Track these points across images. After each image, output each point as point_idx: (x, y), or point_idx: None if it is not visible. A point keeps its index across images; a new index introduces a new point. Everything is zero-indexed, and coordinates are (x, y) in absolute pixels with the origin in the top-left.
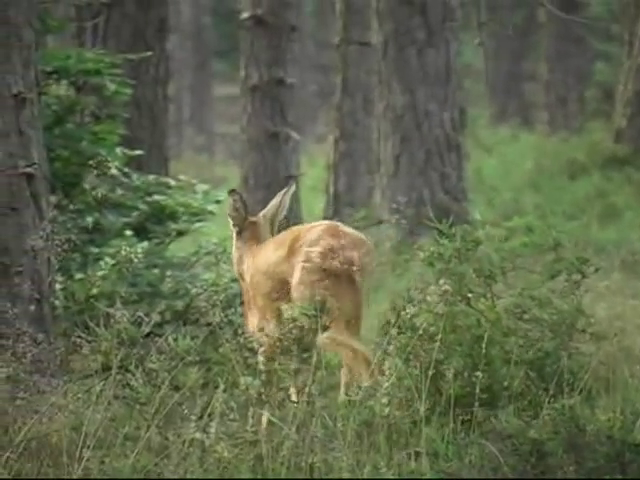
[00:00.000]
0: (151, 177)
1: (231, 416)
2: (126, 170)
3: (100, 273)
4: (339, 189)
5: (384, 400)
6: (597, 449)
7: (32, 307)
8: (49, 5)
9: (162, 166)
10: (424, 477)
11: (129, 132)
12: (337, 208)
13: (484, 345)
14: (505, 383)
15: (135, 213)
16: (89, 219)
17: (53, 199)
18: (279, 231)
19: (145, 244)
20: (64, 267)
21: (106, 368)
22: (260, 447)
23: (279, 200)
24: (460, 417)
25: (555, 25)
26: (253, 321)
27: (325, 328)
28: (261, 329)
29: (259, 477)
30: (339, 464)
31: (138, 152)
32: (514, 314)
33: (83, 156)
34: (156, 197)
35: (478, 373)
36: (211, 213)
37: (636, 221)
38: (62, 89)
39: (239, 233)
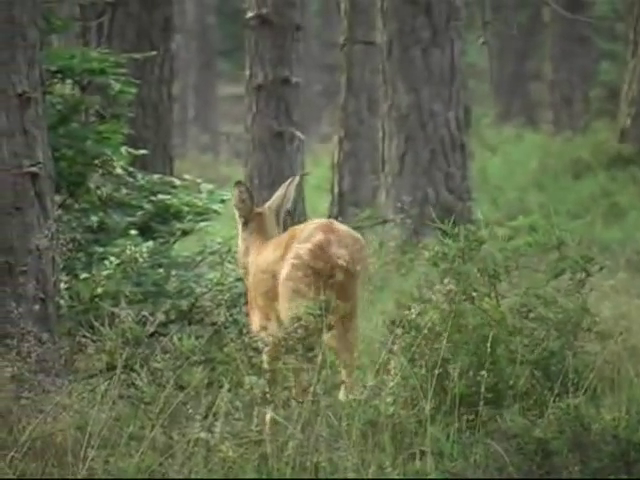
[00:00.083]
0: (156, 176)
1: (236, 415)
2: (131, 169)
3: (105, 272)
4: (344, 188)
5: (389, 399)
6: (602, 448)
7: (37, 306)
8: (54, 4)
9: (167, 165)
10: (429, 476)
11: (134, 131)
12: (342, 207)
13: (489, 344)
14: (510, 382)
15: (140, 212)
16: (94, 218)
17: (58, 198)
18: (284, 227)
19: (150, 243)
20: (69, 266)
21: (111, 367)
22: (265, 446)
23: (284, 191)
24: (465, 416)
25: (560, 24)
26: (256, 320)
27: (330, 327)
28: (264, 328)
29: (264, 476)
30: (344, 463)
31: (143, 151)
32: (519, 313)
33: (88, 155)
34: (161, 196)
35: (483, 372)
36: (216, 212)
37: None
38: (67, 88)
39: (245, 224)
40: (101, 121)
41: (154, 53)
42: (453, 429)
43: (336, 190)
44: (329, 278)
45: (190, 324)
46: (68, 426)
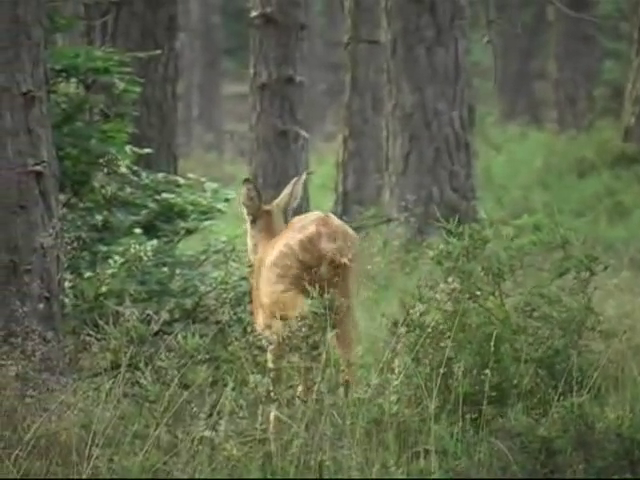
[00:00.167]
0: (160, 175)
1: (240, 414)
2: (135, 168)
3: (109, 271)
4: (348, 187)
5: (393, 398)
6: (606, 447)
7: (41, 305)
8: (58, 3)
9: (171, 164)
10: (433, 475)
11: (138, 130)
12: (346, 206)
13: (493, 343)
14: (514, 381)
15: (144, 211)
16: (98, 217)
17: (62, 197)
18: None
19: (154, 242)
20: (73, 265)
21: (115, 366)
22: (269, 445)
23: (291, 189)
24: (469, 415)
25: (564, 23)
26: (260, 319)
27: (334, 325)
28: (268, 326)
29: (268, 475)
30: (348, 462)
31: (147, 150)
32: (523, 312)
33: (92, 154)
34: (165, 195)
35: (487, 371)
36: (220, 211)
37: None
38: (71, 87)
39: (253, 222)
40: (105, 120)
41: (158, 52)
42: (457, 428)
43: (340, 189)
44: (315, 272)
45: (194, 323)
46: (72, 425)
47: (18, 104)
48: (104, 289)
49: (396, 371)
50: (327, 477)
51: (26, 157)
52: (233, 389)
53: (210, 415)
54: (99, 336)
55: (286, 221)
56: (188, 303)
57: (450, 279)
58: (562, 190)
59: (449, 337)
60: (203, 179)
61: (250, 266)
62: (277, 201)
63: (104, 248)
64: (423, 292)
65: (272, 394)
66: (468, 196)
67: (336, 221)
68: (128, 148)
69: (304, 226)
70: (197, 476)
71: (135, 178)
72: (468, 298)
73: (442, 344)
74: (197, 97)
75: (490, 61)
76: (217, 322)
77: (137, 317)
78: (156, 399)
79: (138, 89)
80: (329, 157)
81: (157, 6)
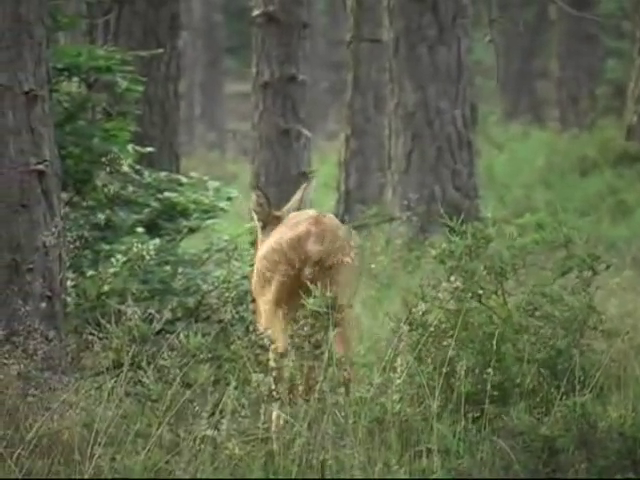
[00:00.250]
0: (162, 174)
1: (242, 413)
2: (137, 167)
3: (111, 270)
4: (350, 186)
5: (395, 397)
6: (608, 446)
7: (43, 304)
8: (60, 2)
9: (173, 163)
10: (435, 474)
11: (140, 129)
12: (348, 205)
13: (495, 342)
14: (517, 380)
15: (146, 210)
16: (100, 216)
17: (64, 196)
18: None
19: (156, 241)
20: (75, 264)
21: (117, 365)
22: (271, 444)
23: (301, 195)
24: (471, 414)
25: (566, 22)
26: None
27: (337, 324)
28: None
29: (270, 474)
30: (350, 461)
31: (149, 149)
32: (525, 311)
33: (94, 153)
34: (167, 194)
35: (489, 370)
36: (222, 210)
37: None
38: (73, 86)
39: (263, 228)
40: (108, 119)
41: (161, 51)
42: (459, 427)
43: (343, 188)
44: (299, 270)
45: (197, 322)
46: (75, 424)
47: (20, 103)
48: (106, 288)
49: (398, 370)
50: (329, 476)
51: (28, 156)
52: (235, 388)
53: (212, 414)
54: (101, 335)
55: None
56: (190, 302)
57: (453, 278)
58: (564, 189)
59: (452, 336)
60: (205, 178)
61: (252, 265)
62: (287, 207)
63: (106, 247)
64: (426, 291)
65: (274, 393)
66: (470, 195)
67: (328, 221)
68: (130, 147)
69: (296, 224)
70: (199, 475)
71: (137, 177)
72: (471, 297)
73: (445, 343)
74: (199, 96)
75: (492, 60)
76: (219, 321)
77: (139, 316)
78: (158, 398)
79: (140, 88)
80: (331, 156)
81: (159, 5)
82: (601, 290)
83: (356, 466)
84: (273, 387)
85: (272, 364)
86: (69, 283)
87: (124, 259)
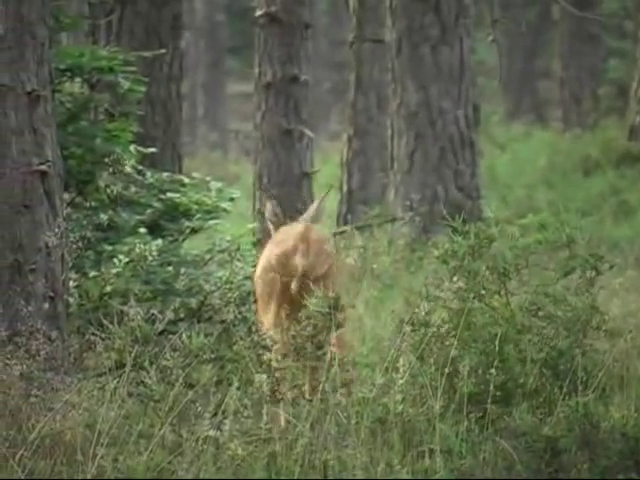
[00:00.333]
0: (165, 175)
1: (245, 413)
2: (140, 168)
3: (114, 271)
4: (353, 186)
5: (398, 397)
6: (611, 446)
7: (46, 305)
8: (63, 2)
9: (176, 163)
10: (438, 474)
11: (143, 130)
12: (350, 205)
13: (498, 342)
14: (519, 381)
15: (149, 211)
16: (103, 216)
17: (67, 197)
18: None
19: (159, 242)
20: (78, 264)
21: (120, 366)
22: (274, 444)
23: (317, 204)
24: (474, 414)
25: (569, 22)
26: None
27: (339, 325)
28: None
29: (273, 474)
30: (353, 461)
31: (152, 150)
32: (528, 311)
33: (97, 154)
34: (170, 195)
35: (492, 370)
36: (225, 211)
37: None
38: (76, 87)
39: None
40: (110, 119)
41: (163, 51)
42: (462, 427)
43: (345, 188)
44: (286, 284)
45: (199, 322)
46: (77, 424)
47: (22, 103)
48: (109, 288)
49: (401, 370)
50: (332, 476)
51: (31, 156)
52: (238, 388)
53: (215, 414)
54: (104, 335)
55: None
56: (193, 302)
57: (455, 278)
58: (567, 189)
59: (454, 336)
60: (208, 178)
61: (254, 266)
62: (304, 216)
63: (109, 247)
64: (428, 291)
65: (277, 394)
66: (473, 195)
67: (315, 236)
68: (133, 147)
69: (283, 240)
70: (202, 476)
71: (140, 177)
72: (473, 297)
73: (447, 343)
74: (202, 96)
75: (495, 60)
76: (222, 321)
77: (142, 316)
78: (161, 398)
79: (143, 88)
80: (334, 156)
81: (162, 5)
82: (604, 290)
83: (358, 466)
84: (275, 387)
85: (274, 364)
86: (71, 284)
87: (126, 260)
